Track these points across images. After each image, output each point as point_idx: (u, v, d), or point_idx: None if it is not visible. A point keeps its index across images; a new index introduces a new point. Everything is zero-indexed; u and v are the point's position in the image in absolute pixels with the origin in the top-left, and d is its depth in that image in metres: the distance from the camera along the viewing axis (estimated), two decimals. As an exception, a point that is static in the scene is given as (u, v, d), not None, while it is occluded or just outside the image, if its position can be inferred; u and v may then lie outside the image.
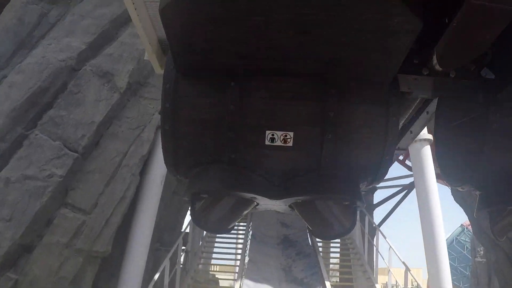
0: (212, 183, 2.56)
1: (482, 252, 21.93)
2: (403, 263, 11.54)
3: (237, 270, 12.28)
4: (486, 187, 3.15)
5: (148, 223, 11.01)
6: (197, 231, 13.27)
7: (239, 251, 13.73)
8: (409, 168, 24.76)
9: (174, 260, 12.27)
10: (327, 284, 11.52)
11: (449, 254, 40.81)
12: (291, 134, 2.37)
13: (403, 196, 20.83)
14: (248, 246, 14.13)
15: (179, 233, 13.64)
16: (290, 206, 2.79)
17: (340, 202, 2.71)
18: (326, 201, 2.75)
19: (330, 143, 2.42)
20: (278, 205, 2.81)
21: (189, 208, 2.57)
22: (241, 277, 11.75)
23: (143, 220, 10.94)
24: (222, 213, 2.75)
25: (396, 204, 20.70)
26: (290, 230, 16.78)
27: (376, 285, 11.83)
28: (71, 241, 9.67)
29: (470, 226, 47.21)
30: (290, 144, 2.40)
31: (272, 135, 2.35)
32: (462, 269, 45.65)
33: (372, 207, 19.31)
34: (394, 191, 21.23)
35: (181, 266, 12.57)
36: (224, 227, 2.86)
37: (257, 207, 2.77)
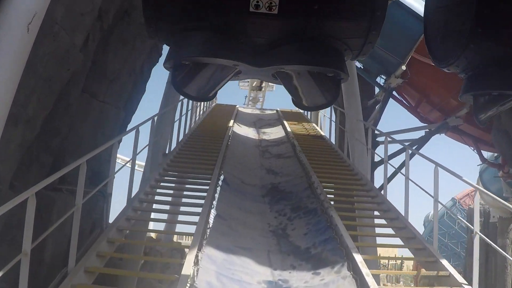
0: (195, 49, 2.38)
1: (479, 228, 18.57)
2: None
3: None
4: (472, 70, 2.97)
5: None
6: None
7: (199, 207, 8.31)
8: (422, 119, 20.51)
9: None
10: (357, 257, 6.23)
11: (440, 229, 37.72)
12: (276, 1, 2.29)
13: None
14: (216, 196, 8.77)
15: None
16: (273, 75, 2.52)
17: (324, 73, 2.58)
18: (310, 71, 2.51)
19: (316, 13, 2.26)
20: (261, 74, 2.08)
21: (171, 76, 1.62)
22: (201, 245, 6.39)
23: None
24: (204, 81, 2.42)
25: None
26: (280, 177, 11.44)
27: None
28: None
29: (463, 200, 44.35)
30: (275, 11, 2.38)
31: (257, 1, 2.41)
32: (452, 246, 43.23)
33: (374, 165, 15.77)
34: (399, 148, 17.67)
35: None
36: (205, 95, 2.43)
37: (239, 75, 2.17)
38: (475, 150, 21.13)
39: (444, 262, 6.45)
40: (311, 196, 9.40)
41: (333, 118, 16.02)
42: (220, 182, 9.82)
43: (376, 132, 16.30)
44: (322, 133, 16.81)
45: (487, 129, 19.27)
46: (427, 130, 20.25)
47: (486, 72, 4.22)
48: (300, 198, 9.55)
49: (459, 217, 42.68)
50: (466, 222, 7.21)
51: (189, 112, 15.17)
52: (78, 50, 6.73)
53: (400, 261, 34.32)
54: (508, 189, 24.91)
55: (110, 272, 6.13)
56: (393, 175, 18.71)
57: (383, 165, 16.58)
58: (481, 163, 27.38)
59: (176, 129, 13.35)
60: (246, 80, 32.95)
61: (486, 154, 21.94)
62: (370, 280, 5.53)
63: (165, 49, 9.98)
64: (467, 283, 5.91)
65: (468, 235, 22.42)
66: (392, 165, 12.52)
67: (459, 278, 5.99)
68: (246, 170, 11.80)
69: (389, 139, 11.79)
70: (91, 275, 5.67)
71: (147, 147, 9.76)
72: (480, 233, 6.21)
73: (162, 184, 9.96)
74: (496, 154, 22.17)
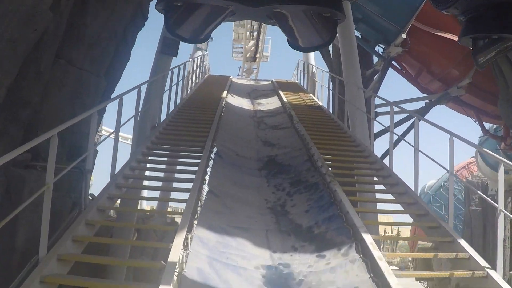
0: None
1: (477, 200, 20.85)
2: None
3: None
4: (472, 12, 2.90)
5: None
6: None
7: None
8: (423, 90, 19.87)
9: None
10: (367, 238, 5.55)
11: (436, 201, 37.40)
12: None
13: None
14: (209, 171, 8.07)
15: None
16: (268, 16, 1.88)
17: (320, 13, 2.04)
18: (306, 11, 2.01)
19: None
20: (255, 15, 1.70)
21: (163, 19, 1.37)
22: (191, 226, 5.68)
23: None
24: (198, 22, 2.01)
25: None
26: (277, 150, 10.71)
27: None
28: None
29: (459, 172, 44.38)
30: None
31: None
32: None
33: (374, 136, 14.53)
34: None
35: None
36: (198, 36, 2.00)
37: (233, 16, 1.81)
38: (476, 121, 20.58)
39: (463, 242, 5.78)
40: (312, 169, 8.70)
41: (331, 88, 15.25)
42: (213, 155, 9.09)
43: (377, 102, 15.48)
44: (320, 103, 16.04)
45: (489, 99, 18.67)
46: (428, 100, 19.61)
47: (486, 15, 4.11)
48: (299, 172, 8.85)
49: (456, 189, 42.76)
50: (490, 200, 6.42)
51: (180, 83, 14.35)
52: (48, 7, 5.88)
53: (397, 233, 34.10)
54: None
55: (89, 261, 5.37)
56: (395, 144, 18.45)
57: (383, 136, 16.34)
58: (482, 135, 26.93)
59: (166, 100, 12.61)
60: (239, 51, 31.98)
61: (487, 126, 21.40)
62: (383, 265, 4.84)
63: (152, 12, 9.21)
64: (490, 266, 5.25)
65: (465, 207, 21.99)
66: (396, 134, 11.97)
67: (481, 261, 5.32)
68: (240, 142, 11.06)
69: (396, 108, 11.05)
70: (65, 263, 4.91)
71: (133, 118, 8.96)
72: (505, 211, 5.51)
73: (149, 158, 9.21)
74: (496, 126, 21.58)
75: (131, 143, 10.91)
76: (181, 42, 12.62)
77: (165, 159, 10.14)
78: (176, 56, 13.27)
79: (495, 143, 25.32)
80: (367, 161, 9.47)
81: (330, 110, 14.83)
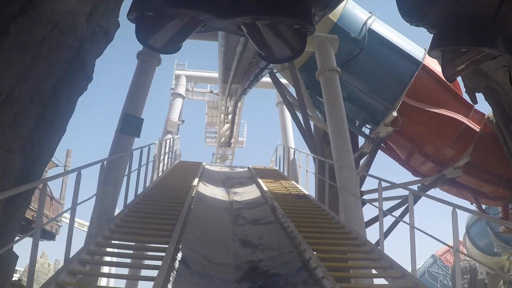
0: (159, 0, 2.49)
1: (466, 285, 21.99)
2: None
3: None
4: (441, 26, 3.69)
5: None
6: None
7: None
8: (415, 173, 18.20)
9: None
10: None
11: None
12: None
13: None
14: None
15: None
16: (238, 27, 2.90)
17: (290, 25, 2.78)
18: (275, 23, 2.80)
19: None
20: (226, 26, 2.91)
21: (135, 28, 2.64)
22: None
23: None
24: (169, 33, 2.83)
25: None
26: (260, 253, 8.41)
27: None
28: None
29: (443, 257, 42.61)
30: None
31: None
32: (436, 305, 41.14)
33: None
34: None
35: None
36: (170, 47, 3.07)
37: (205, 27, 2.85)
38: (473, 204, 18.81)
39: None
40: (310, 282, 6.42)
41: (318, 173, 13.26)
42: (176, 264, 6.80)
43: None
44: (306, 192, 13.95)
45: (487, 179, 17.05)
46: (420, 184, 17.82)
47: (456, 28, 4.26)
48: (293, 286, 6.55)
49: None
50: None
51: (144, 168, 12.22)
52: None
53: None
54: (500, 244, 23.00)
55: None
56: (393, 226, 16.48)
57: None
58: (470, 216, 25.23)
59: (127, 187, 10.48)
60: (213, 135, 30.27)
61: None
62: None
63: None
64: None
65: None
66: (394, 215, 11.19)
67: None
68: (213, 243, 8.77)
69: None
70: None
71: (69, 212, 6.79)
72: None
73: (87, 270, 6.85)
74: (486, 207, 19.88)
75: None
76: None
77: (109, 271, 7.76)
78: (138, 137, 11.34)
79: (483, 226, 23.61)
80: (380, 266, 7.26)
81: (318, 198, 12.71)
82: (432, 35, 4.64)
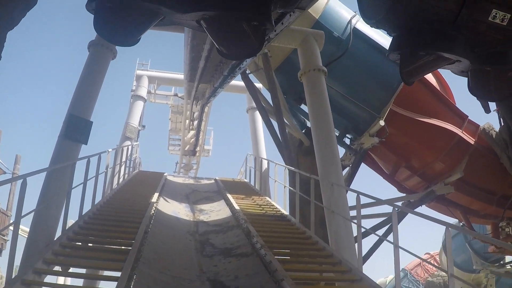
0: None
1: None
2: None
3: None
4: (400, 29, 3.63)
5: None
6: None
7: None
8: (401, 188, 16.61)
9: None
10: None
11: None
12: None
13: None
14: None
15: None
16: (197, 22, 2.88)
17: (249, 22, 2.79)
18: (235, 19, 2.80)
19: None
20: (185, 20, 2.85)
21: (93, 19, 2.61)
22: None
23: None
24: (127, 25, 2.72)
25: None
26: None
27: None
28: None
29: (414, 271, 41.86)
30: None
31: None
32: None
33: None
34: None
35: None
36: (129, 39, 2.93)
37: (164, 20, 2.82)
38: (462, 223, 17.35)
39: None
40: None
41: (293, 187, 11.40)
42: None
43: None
44: (283, 211, 12.04)
45: (478, 195, 15.59)
46: (407, 201, 16.21)
47: (415, 31, 4.17)
48: None
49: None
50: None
51: (93, 180, 10.11)
52: None
53: None
54: (479, 261, 21.98)
55: None
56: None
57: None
58: (445, 233, 23.90)
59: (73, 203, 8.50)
60: (177, 143, 28.13)
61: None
62: None
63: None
64: None
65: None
66: (377, 235, 11.14)
67: None
68: (175, 286, 6.75)
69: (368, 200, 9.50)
70: None
71: None
72: None
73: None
74: (462, 223, 18.50)
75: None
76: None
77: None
78: (86, 144, 9.29)
79: (462, 241, 22.35)
80: None
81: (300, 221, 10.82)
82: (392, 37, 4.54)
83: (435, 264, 28.77)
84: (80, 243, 8.00)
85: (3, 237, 20.37)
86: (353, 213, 13.00)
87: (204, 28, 3.09)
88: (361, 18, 13.92)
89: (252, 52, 3.22)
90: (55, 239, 7.85)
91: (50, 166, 8.63)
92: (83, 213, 9.15)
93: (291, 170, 12.60)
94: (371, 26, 4.66)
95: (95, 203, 10.24)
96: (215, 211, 12.39)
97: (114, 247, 7.81)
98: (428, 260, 30.19)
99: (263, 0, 3.01)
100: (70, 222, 9.41)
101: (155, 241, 8.28)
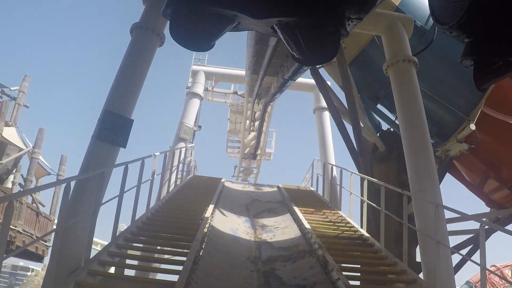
0: None
1: None
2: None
3: None
4: (475, 34, 2.95)
5: None
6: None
7: None
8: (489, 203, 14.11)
9: None
10: None
11: None
12: None
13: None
14: None
15: None
16: (272, 27, 2.74)
17: (325, 28, 2.64)
18: (310, 25, 2.63)
19: None
20: (260, 26, 2.74)
21: (168, 24, 2.59)
22: None
23: None
24: (202, 30, 2.63)
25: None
26: None
27: None
28: None
29: (479, 283, 38.54)
30: None
31: None
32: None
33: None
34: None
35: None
36: (204, 45, 2.82)
37: (238, 26, 2.66)
38: None
39: None
40: None
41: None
42: None
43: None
44: (363, 232, 9.86)
45: None
46: (495, 217, 13.77)
47: (493, 38, 3.19)
48: None
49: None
50: None
51: (136, 190, 8.36)
52: None
53: None
54: None
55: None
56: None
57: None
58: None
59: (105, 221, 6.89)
60: (236, 145, 26.42)
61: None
62: None
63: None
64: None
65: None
66: (460, 254, 9.43)
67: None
68: None
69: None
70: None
71: None
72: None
73: None
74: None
75: None
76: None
77: None
78: (124, 147, 7.54)
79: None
80: None
81: (385, 245, 8.64)
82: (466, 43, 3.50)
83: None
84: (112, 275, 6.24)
85: (45, 243, 19.30)
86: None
87: (278, 34, 2.92)
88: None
89: (327, 59, 2.91)
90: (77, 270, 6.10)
91: (80, 173, 6.93)
92: (117, 234, 7.36)
93: (373, 181, 10.42)
94: (444, 32, 3.59)
95: (135, 219, 8.45)
96: (280, 228, 10.39)
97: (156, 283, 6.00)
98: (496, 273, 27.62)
99: (339, 6, 2.82)
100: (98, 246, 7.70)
101: (206, 276, 6.36)
